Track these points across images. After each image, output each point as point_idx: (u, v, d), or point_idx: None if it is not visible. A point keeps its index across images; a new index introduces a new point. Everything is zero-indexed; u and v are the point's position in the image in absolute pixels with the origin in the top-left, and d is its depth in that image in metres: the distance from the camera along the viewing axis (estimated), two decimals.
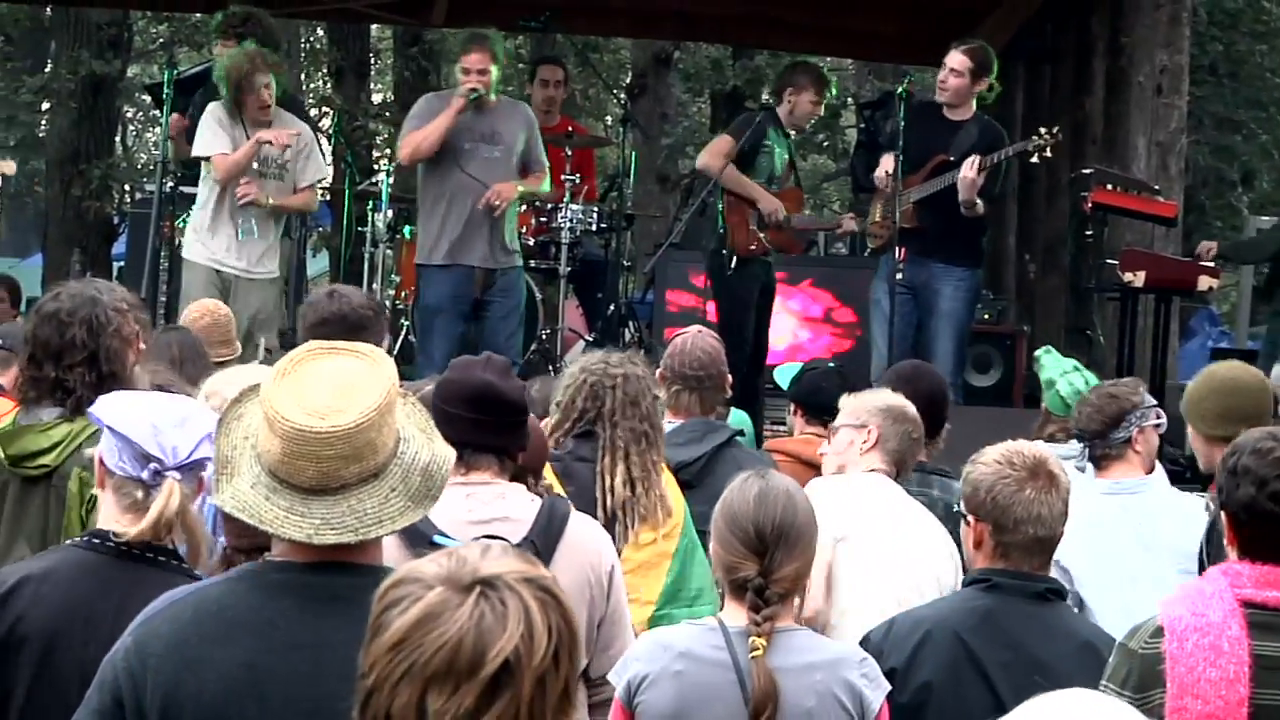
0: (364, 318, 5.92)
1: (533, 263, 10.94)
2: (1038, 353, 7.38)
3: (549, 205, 11.04)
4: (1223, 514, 4.13)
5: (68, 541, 4.24)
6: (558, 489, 5.23)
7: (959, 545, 5.83)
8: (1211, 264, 10.56)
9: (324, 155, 11.00)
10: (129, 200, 18.37)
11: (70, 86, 17.94)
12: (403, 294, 11.62)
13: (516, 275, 10.12)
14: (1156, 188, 10.97)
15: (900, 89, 10.38)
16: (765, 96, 15.05)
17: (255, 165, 9.72)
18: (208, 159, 9.76)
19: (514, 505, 4.63)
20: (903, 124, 10.08)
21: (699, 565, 5.48)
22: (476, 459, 4.57)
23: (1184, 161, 12.50)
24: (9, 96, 21.42)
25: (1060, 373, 7.07)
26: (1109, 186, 10.59)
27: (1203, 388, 6.12)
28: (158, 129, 12.88)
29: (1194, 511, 5.95)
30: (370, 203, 12.44)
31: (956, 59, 10.14)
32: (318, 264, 18.79)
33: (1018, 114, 13.23)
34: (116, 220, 18.12)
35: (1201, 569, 5.08)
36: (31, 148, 22.37)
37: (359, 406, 3.09)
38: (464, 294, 9.92)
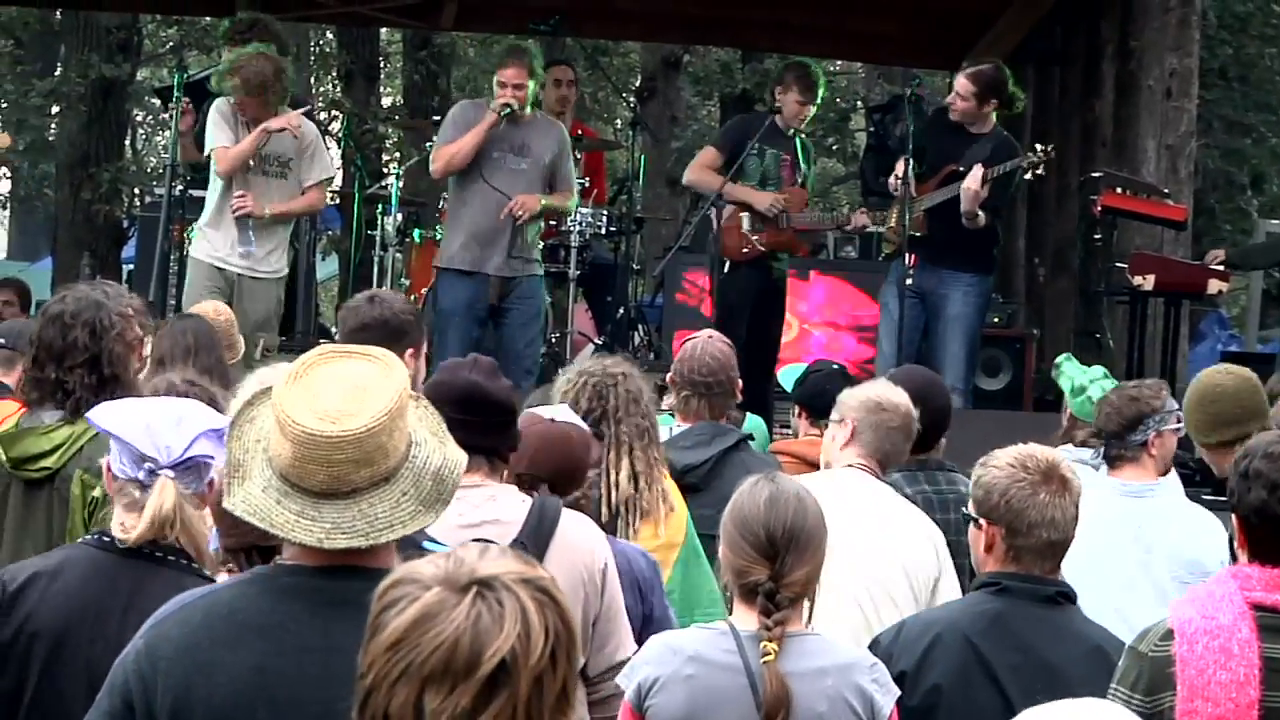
0: (405, 323, 5.86)
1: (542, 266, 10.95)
2: (1059, 360, 7.37)
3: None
4: (1233, 516, 4.14)
5: (76, 541, 4.25)
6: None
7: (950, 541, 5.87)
8: (1221, 268, 10.57)
9: (332, 158, 10.99)
10: (139, 204, 18.36)
11: (80, 90, 17.96)
12: (412, 298, 11.62)
13: (536, 283, 10.16)
14: (1166, 191, 10.97)
15: (910, 92, 10.38)
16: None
17: (258, 163, 9.63)
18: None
19: (504, 507, 4.63)
20: (912, 128, 10.10)
21: (704, 576, 5.49)
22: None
23: (1193, 165, 12.50)
24: (19, 100, 21.44)
25: (1090, 379, 7.07)
26: (1118, 190, 10.60)
27: (1189, 400, 6.23)
28: (167, 133, 12.89)
29: (1204, 522, 5.96)
30: (380, 206, 12.44)
31: (960, 83, 10.15)
32: (327, 267, 18.78)
33: (1027, 117, 13.22)
34: (126, 224, 18.12)
35: None
36: (41, 151, 22.38)
37: (370, 410, 3.09)
38: (480, 300, 9.98)
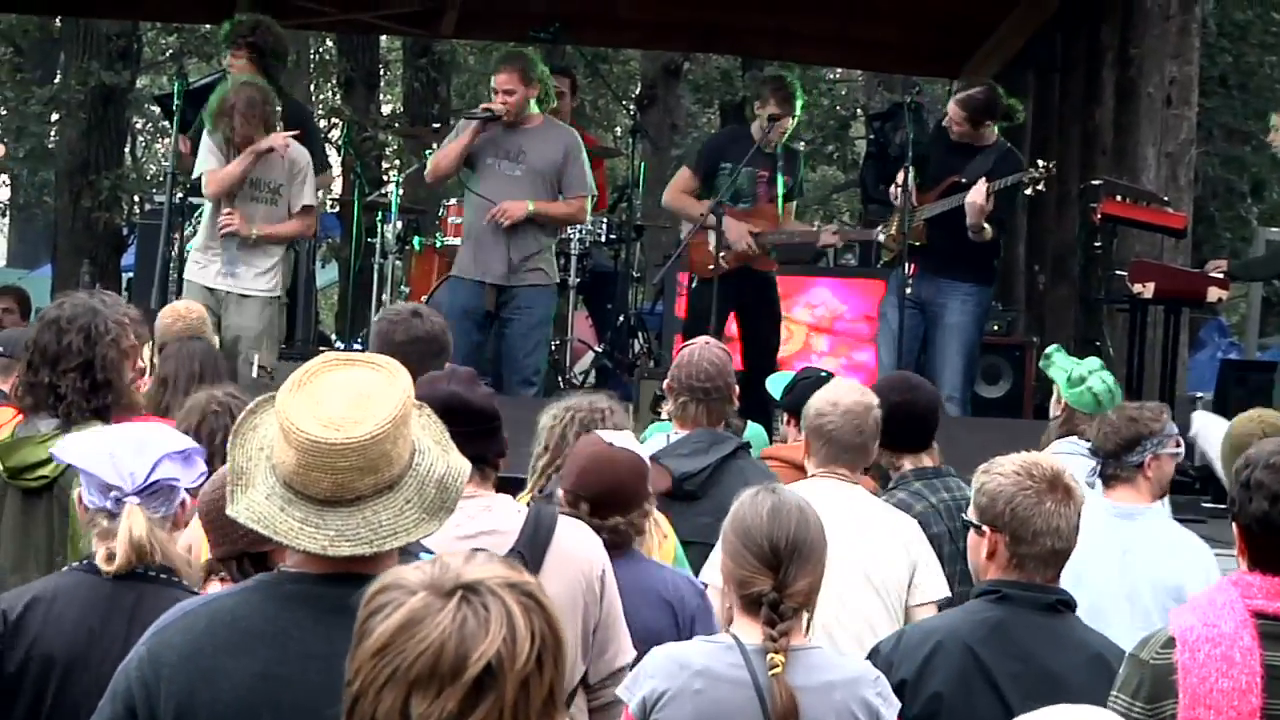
0: (446, 342, 6.09)
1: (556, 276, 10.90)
2: (1049, 350, 7.36)
3: None
4: (1234, 524, 4.14)
5: (66, 566, 4.26)
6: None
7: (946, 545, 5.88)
8: (1221, 276, 10.57)
9: (331, 166, 10.96)
10: (138, 211, 18.35)
11: (80, 97, 17.96)
12: None
13: (539, 293, 9.96)
14: (1166, 199, 10.97)
15: (910, 99, 10.37)
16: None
17: (249, 188, 9.54)
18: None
19: (500, 517, 4.64)
20: (912, 135, 10.09)
21: None
22: None
23: (1193, 172, 12.49)
24: (19, 107, 21.41)
25: (1089, 370, 7.05)
26: (1118, 197, 10.60)
27: (1225, 451, 6.20)
28: (167, 140, 12.90)
29: (1191, 549, 5.94)
30: (379, 214, 12.44)
31: (952, 109, 10.13)
32: (327, 275, 18.79)
33: (1027, 124, 13.23)
34: (126, 231, 18.12)
35: None
36: (41, 159, 22.36)
37: (374, 418, 3.10)
38: (474, 307, 9.90)
